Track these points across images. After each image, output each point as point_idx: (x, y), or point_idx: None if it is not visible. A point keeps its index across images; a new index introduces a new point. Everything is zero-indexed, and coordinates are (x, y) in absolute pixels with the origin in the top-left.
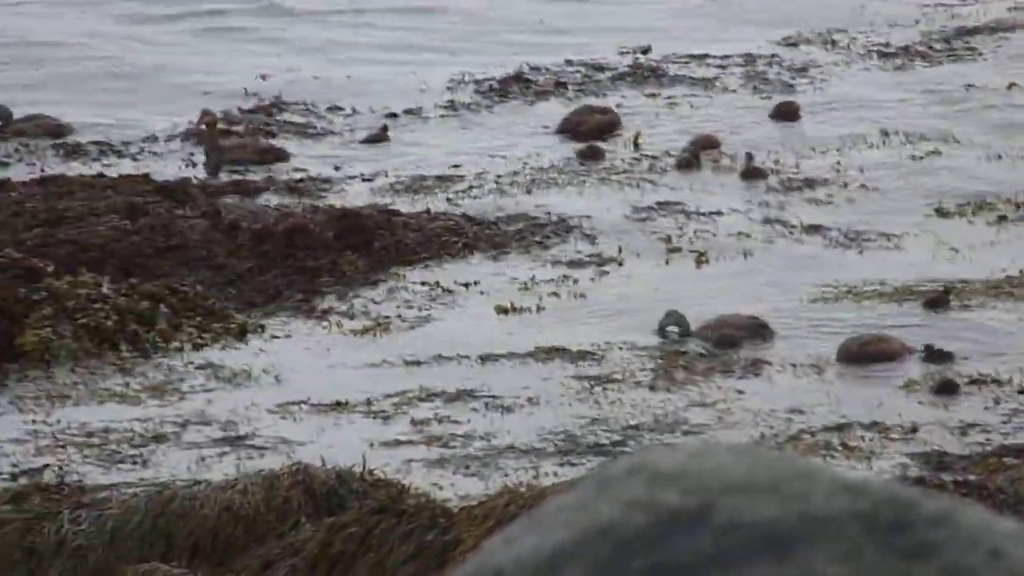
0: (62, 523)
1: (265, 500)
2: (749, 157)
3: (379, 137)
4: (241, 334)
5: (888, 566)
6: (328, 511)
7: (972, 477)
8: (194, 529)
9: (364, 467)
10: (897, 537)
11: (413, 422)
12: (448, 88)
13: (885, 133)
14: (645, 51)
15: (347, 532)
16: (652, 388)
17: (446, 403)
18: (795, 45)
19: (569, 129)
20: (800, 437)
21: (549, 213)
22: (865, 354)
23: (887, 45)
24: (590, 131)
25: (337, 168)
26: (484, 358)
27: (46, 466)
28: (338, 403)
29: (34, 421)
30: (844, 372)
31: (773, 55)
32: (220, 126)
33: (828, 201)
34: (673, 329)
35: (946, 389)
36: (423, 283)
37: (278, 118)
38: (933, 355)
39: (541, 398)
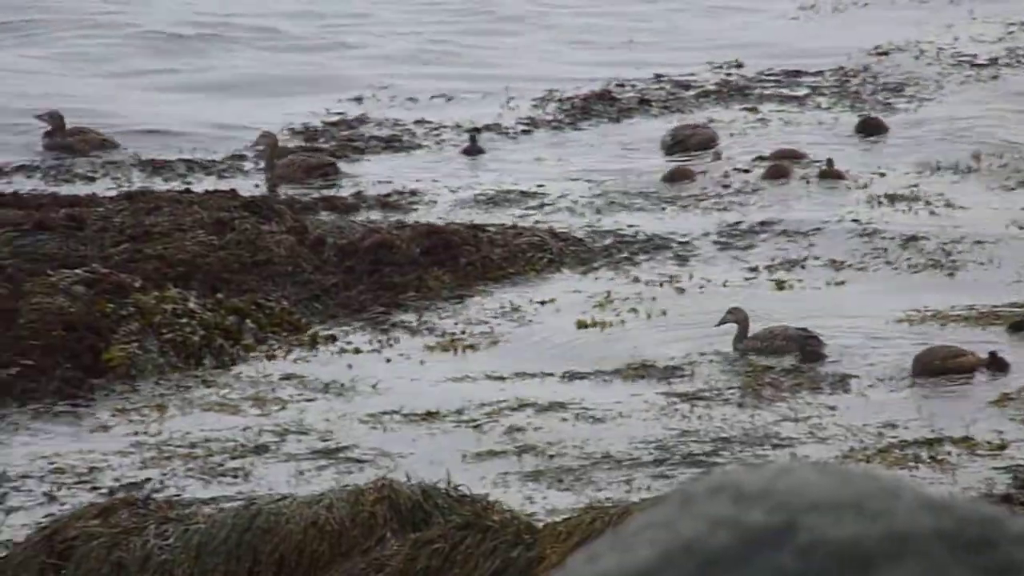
0: (148, 538)
1: (351, 515)
2: (829, 163)
3: (469, 151)
4: (326, 347)
5: None
6: (413, 526)
7: None
8: (279, 544)
9: (449, 482)
10: (981, 556)
11: (505, 432)
12: (534, 105)
13: (976, 149)
14: (738, 66)
15: (432, 548)
16: (740, 405)
17: (537, 414)
18: (885, 54)
19: (668, 144)
20: (887, 451)
21: (637, 230)
22: (940, 368)
23: (975, 57)
24: (686, 147)
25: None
26: (569, 373)
27: (147, 480)
28: (429, 413)
29: (135, 433)
30: (919, 385)
31: (865, 67)
32: (294, 143)
33: (915, 217)
34: (729, 320)
35: None
36: (508, 298)
37: (363, 132)
38: (996, 362)
39: (631, 412)
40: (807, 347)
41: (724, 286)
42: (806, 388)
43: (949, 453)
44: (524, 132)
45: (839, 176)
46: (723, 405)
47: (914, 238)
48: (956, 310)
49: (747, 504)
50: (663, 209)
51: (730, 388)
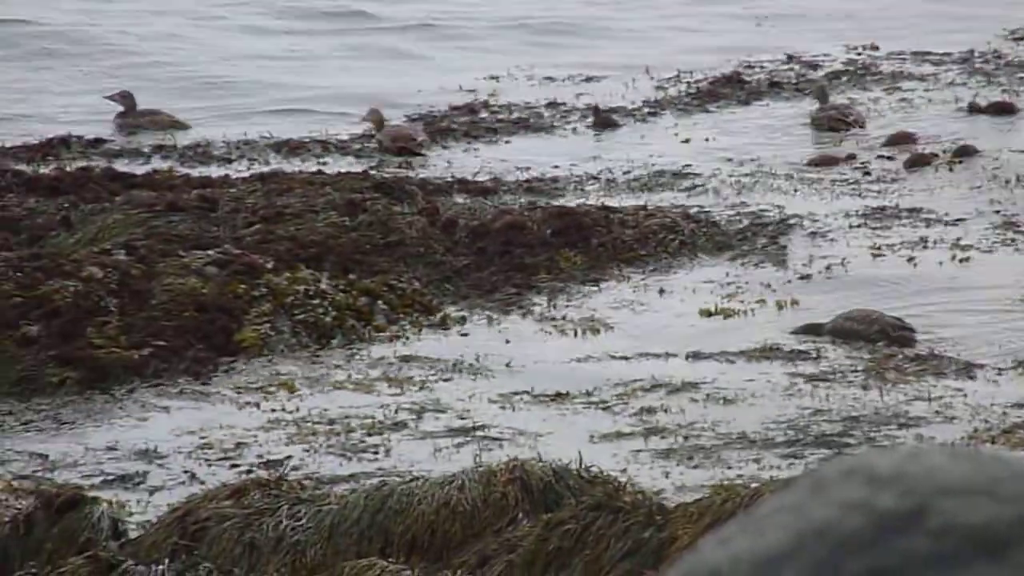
0: (281, 518)
1: (482, 496)
2: (965, 150)
3: (603, 126)
4: (457, 328)
5: None
6: (545, 507)
7: None
8: (411, 525)
9: (580, 463)
10: None
11: (635, 414)
12: (658, 88)
13: None
14: (874, 48)
15: (563, 529)
16: (865, 387)
17: (668, 394)
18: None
19: (821, 124)
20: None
21: (771, 213)
22: None
23: None
24: (831, 125)
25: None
26: (695, 355)
27: (288, 458)
28: (559, 394)
29: (273, 410)
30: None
31: (995, 51)
32: (398, 122)
33: None
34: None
35: None
36: (639, 280)
37: (494, 114)
38: None
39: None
40: (898, 335)
41: (860, 268)
42: (930, 373)
43: None
44: (651, 114)
45: (972, 160)
46: (848, 387)
47: None
48: None
49: (878, 488)
50: (803, 192)
51: (855, 371)
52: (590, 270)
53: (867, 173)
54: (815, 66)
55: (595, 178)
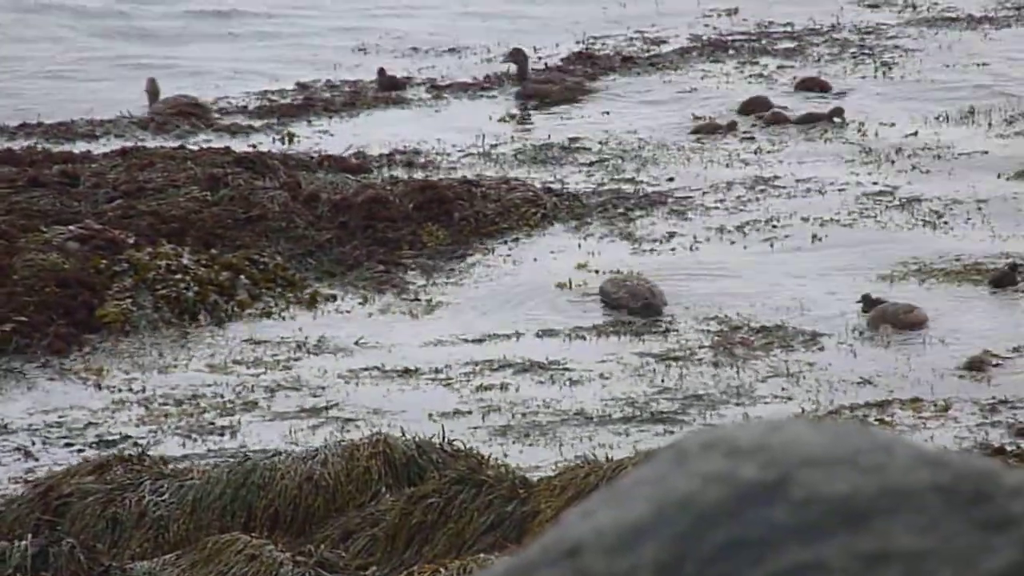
0: (144, 494)
1: (345, 470)
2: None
3: (388, 88)
4: (313, 304)
5: (967, 538)
6: (408, 481)
7: None
8: (274, 499)
9: (444, 437)
10: (977, 509)
11: (477, 391)
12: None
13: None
14: (731, 13)
15: (427, 502)
16: (715, 364)
17: (515, 374)
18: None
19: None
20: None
21: (638, 187)
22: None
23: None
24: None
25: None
26: (546, 332)
27: (127, 437)
28: (407, 371)
29: (120, 389)
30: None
31: (856, 26)
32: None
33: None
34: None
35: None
36: (501, 255)
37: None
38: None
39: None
40: (645, 303)
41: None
42: (778, 346)
43: (893, 415)
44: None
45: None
46: (698, 364)
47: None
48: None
49: (741, 459)
50: (678, 163)
51: (702, 347)
52: (453, 244)
53: (745, 144)
54: (661, 41)
55: (468, 152)
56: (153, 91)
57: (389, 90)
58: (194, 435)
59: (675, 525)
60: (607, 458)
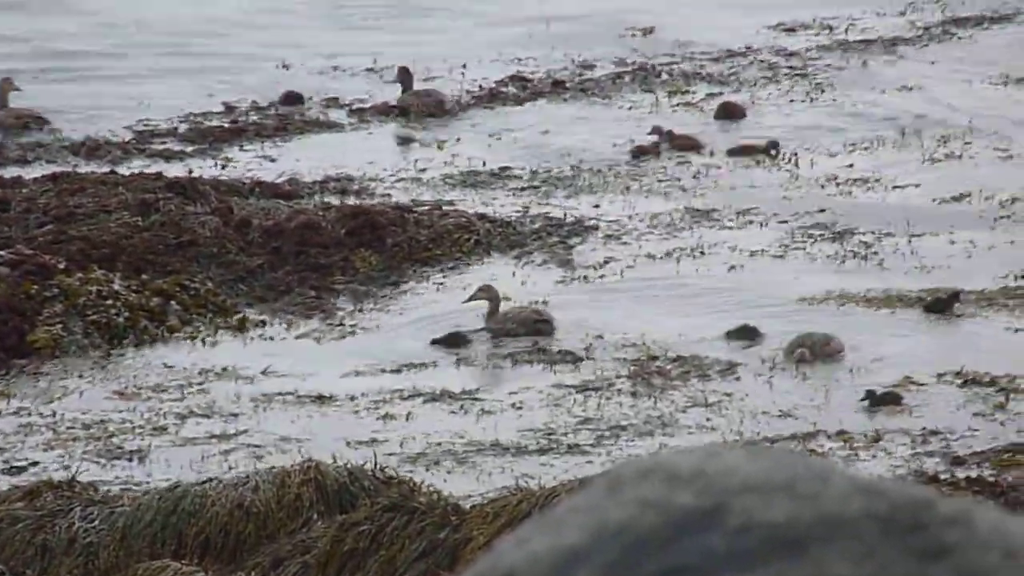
0: (74, 520)
1: (276, 497)
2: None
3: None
4: (243, 329)
5: (903, 567)
6: (340, 508)
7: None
8: (205, 526)
9: (376, 464)
10: (912, 538)
11: (392, 419)
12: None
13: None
14: (647, 32)
15: (358, 530)
16: (633, 394)
17: (426, 402)
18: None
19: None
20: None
21: (566, 213)
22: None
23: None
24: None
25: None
26: (462, 360)
27: (34, 463)
28: (321, 397)
29: (31, 414)
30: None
31: (775, 47)
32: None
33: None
34: (480, 297)
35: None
36: (431, 281)
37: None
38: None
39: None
40: (538, 328)
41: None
42: (695, 376)
43: (822, 446)
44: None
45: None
46: (616, 394)
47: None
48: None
49: (677, 486)
50: (613, 190)
51: (619, 376)
52: (386, 270)
53: (681, 171)
54: (590, 65)
55: (400, 176)
56: (4, 94)
57: (291, 104)
58: (102, 460)
59: (610, 552)
60: (540, 485)
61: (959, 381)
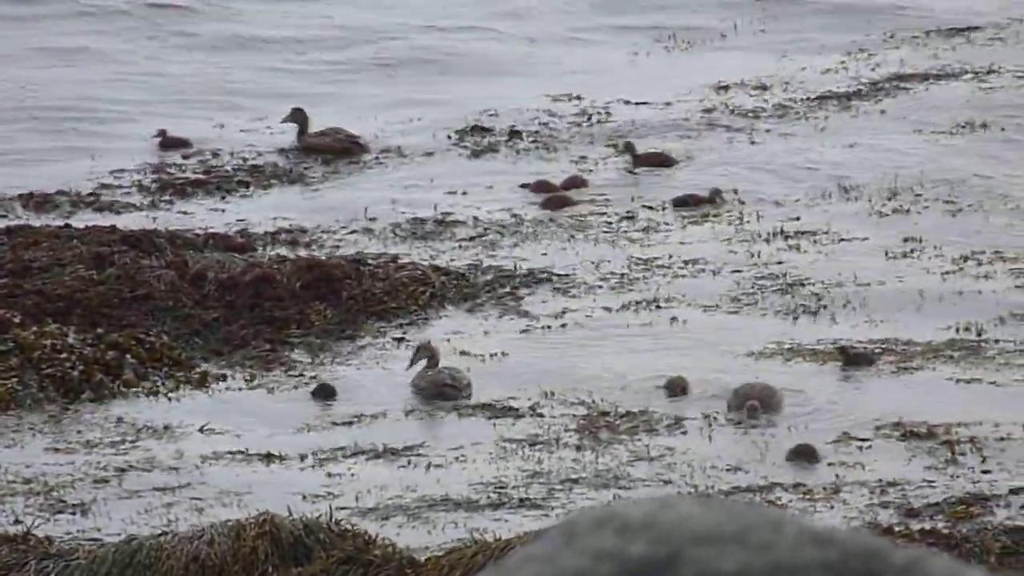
0: (29, 574)
1: (232, 550)
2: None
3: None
4: (202, 384)
5: None
6: (295, 561)
7: (940, 526)
8: None
9: (330, 517)
10: None
11: (342, 475)
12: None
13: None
14: (574, 98)
15: None
16: (579, 447)
17: (372, 458)
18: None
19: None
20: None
21: (520, 264)
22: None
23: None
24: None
25: None
26: (414, 412)
27: None
28: (270, 455)
29: None
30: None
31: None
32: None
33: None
34: (421, 357)
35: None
36: (386, 335)
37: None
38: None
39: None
40: (444, 391)
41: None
42: (643, 430)
43: (779, 498)
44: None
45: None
46: (563, 448)
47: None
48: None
49: (631, 536)
50: (560, 241)
51: (568, 430)
52: (341, 323)
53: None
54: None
55: (346, 228)
56: None
57: (173, 148)
58: (43, 513)
59: None
60: (495, 537)
61: (900, 432)
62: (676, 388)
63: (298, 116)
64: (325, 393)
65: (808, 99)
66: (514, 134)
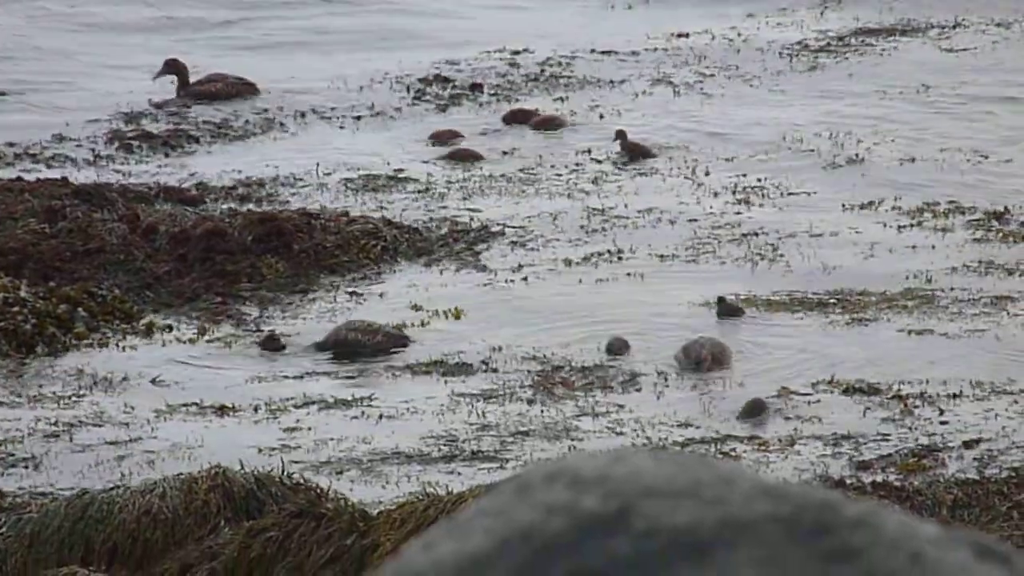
0: None
1: (184, 504)
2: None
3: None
4: (148, 334)
5: (809, 570)
6: (247, 515)
7: (892, 478)
8: (112, 533)
9: (283, 471)
10: (818, 540)
11: (293, 429)
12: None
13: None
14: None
15: (266, 536)
16: (531, 402)
17: (328, 408)
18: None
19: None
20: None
21: (474, 218)
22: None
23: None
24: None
25: None
26: (361, 371)
27: None
28: (223, 408)
29: None
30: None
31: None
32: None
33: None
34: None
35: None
36: (337, 289)
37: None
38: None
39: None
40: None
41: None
42: (597, 387)
43: (734, 450)
44: (356, 118)
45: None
46: (516, 402)
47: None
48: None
49: (582, 490)
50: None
51: (523, 386)
52: (293, 276)
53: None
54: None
55: (300, 180)
56: None
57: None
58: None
59: (516, 557)
60: (448, 491)
61: (854, 384)
62: (617, 349)
63: (175, 66)
64: (274, 345)
65: (762, 51)
66: (475, 87)
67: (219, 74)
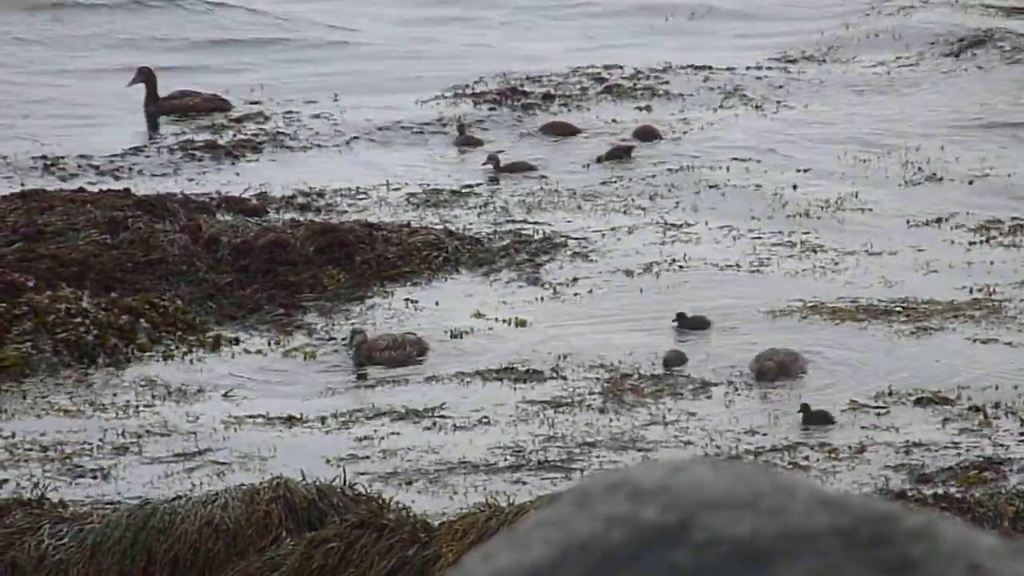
0: (43, 538)
1: (246, 515)
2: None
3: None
4: (215, 347)
5: None
6: (309, 526)
7: (953, 490)
8: (174, 544)
9: (345, 481)
10: (876, 552)
11: (362, 439)
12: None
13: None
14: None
15: (327, 547)
16: (602, 411)
17: (395, 420)
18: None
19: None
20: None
21: (539, 230)
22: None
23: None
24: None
25: None
26: (433, 378)
27: (4, 481)
28: (291, 418)
29: (13, 434)
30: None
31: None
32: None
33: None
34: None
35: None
36: (406, 298)
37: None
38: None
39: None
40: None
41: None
42: (667, 394)
43: (807, 458)
44: (429, 133)
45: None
46: (585, 411)
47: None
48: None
49: (643, 502)
50: (583, 209)
51: (592, 393)
52: (354, 287)
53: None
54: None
55: (365, 194)
56: None
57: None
58: (62, 478)
59: (576, 568)
60: (509, 502)
61: (921, 395)
62: (674, 361)
63: (146, 75)
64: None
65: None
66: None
67: (191, 91)
